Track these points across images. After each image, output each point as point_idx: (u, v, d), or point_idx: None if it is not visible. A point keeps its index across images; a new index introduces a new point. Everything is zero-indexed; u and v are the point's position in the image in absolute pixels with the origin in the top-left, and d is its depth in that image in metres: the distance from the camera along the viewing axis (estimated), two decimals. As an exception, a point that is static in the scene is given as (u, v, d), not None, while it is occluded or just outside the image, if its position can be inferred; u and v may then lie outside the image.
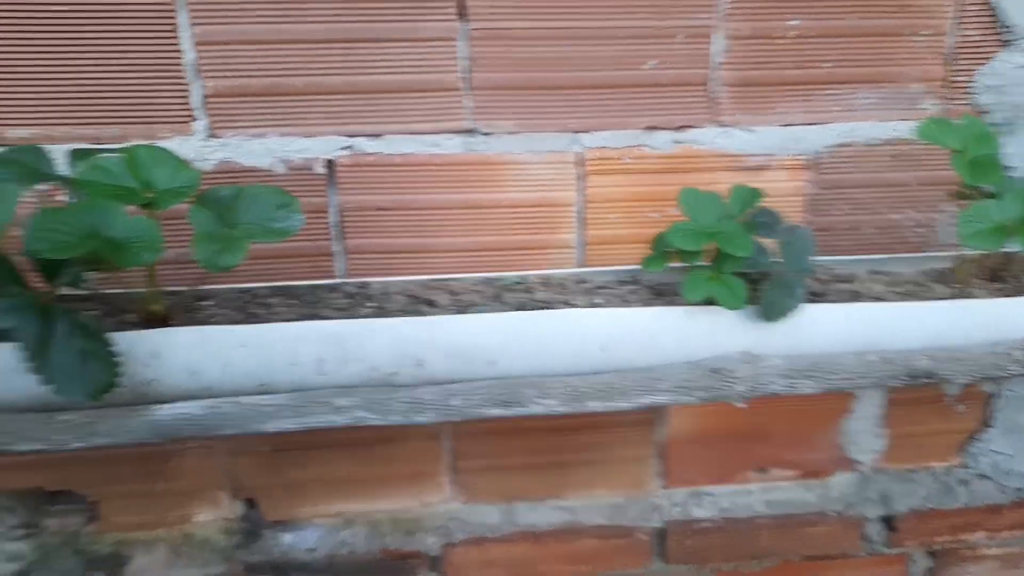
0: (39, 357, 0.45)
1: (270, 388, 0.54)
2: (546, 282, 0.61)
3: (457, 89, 0.69)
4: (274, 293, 0.58)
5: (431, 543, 0.89)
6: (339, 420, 0.54)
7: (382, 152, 0.71)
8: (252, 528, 0.88)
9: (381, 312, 0.55)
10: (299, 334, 0.53)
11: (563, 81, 0.71)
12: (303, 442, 0.84)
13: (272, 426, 0.53)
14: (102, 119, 0.67)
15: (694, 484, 0.89)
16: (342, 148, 0.70)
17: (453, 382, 0.56)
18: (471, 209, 0.73)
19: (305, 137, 0.69)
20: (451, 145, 0.71)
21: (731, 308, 0.52)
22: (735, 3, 0.70)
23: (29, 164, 0.54)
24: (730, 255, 0.52)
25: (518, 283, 0.60)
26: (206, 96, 0.67)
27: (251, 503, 0.87)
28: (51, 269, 0.47)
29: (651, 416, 0.83)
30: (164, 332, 0.51)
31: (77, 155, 0.57)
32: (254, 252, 0.56)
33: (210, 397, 0.54)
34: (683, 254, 0.54)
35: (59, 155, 0.60)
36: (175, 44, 0.65)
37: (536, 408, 0.53)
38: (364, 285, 0.60)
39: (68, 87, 0.66)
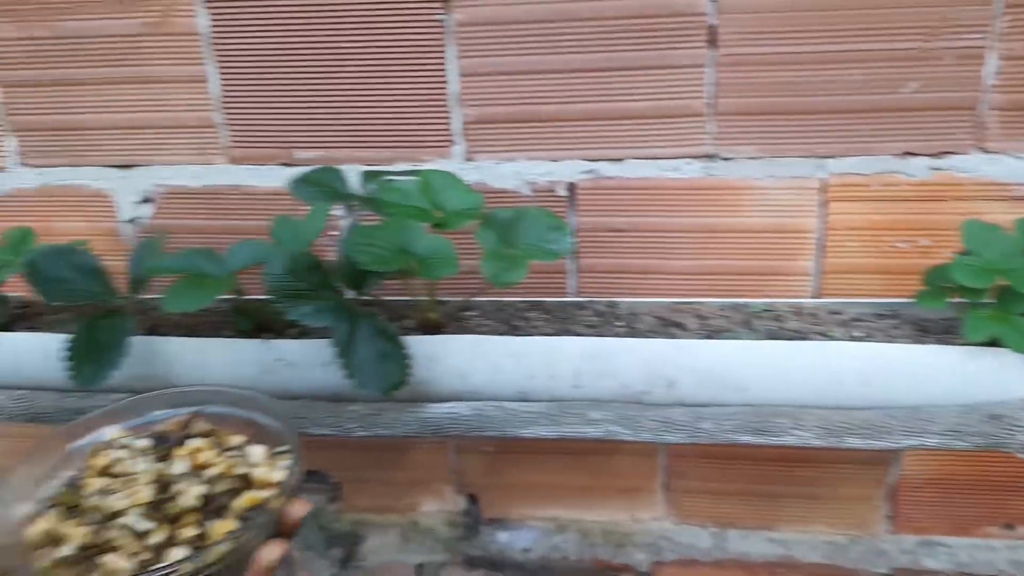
0: (346, 354, 0.52)
1: (528, 396, 0.58)
2: (797, 311, 0.60)
3: (701, 115, 0.70)
4: (530, 308, 0.62)
5: (640, 559, 0.89)
6: (592, 432, 0.56)
7: (621, 176, 0.72)
8: (472, 523, 0.94)
9: (631, 332, 0.57)
10: (559, 348, 0.55)
11: (810, 106, 0.69)
12: (523, 447, 0.87)
13: (530, 432, 0.57)
14: (376, 143, 0.74)
15: (926, 533, 0.82)
16: (584, 172, 0.73)
17: (702, 405, 0.56)
18: (706, 233, 0.73)
19: (551, 161, 0.73)
20: (690, 169, 0.72)
21: (1019, 350, 0.48)
22: (1013, 22, 0.65)
23: (330, 184, 0.62)
24: (1019, 293, 0.48)
25: (767, 310, 0.60)
26: (465, 123, 0.73)
27: (472, 499, 0.93)
28: (357, 277, 0.54)
29: (886, 456, 0.78)
30: (442, 338, 0.56)
31: (368, 176, 0.64)
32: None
33: (476, 400, 0.58)
34: (965, 291, 0.51)
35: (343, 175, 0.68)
36: (442, 77, 0.71)
37: (789, 439, 0.52)
38: (613, 304, 0.62)
39: (350, 114, 0.74)
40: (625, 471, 0.86)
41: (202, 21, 0.71)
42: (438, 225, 0.52)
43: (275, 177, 0.77)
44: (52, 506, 0.43)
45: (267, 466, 0.44)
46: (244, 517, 0.41)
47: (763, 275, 0.73)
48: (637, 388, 0.56)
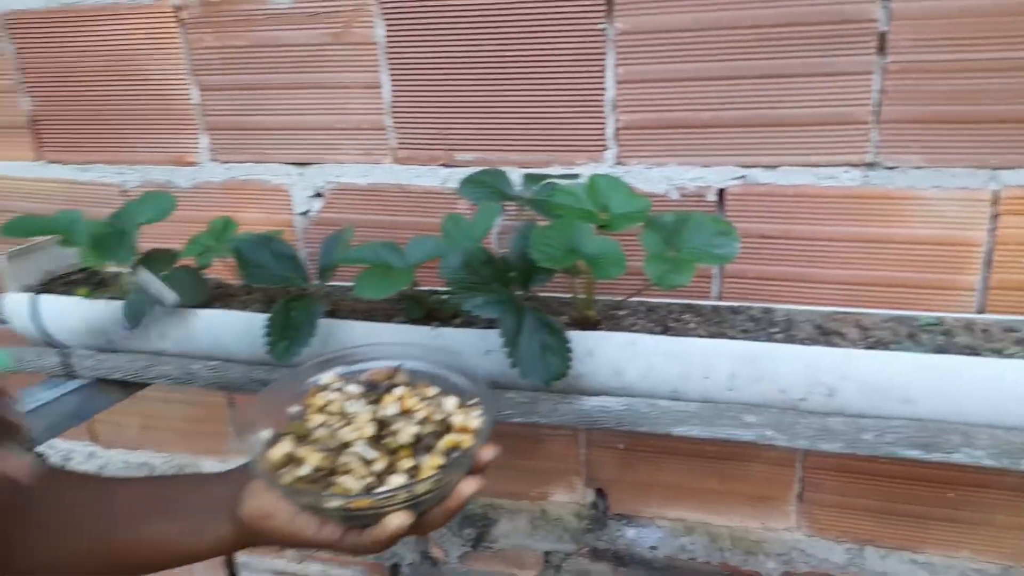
0: (512, 344, 0.55)
1: (680, 396, 0.59)
2: (968, 326, 0.58)
3: (864, 123, 0.68)
4: (684, 310, 0.63)
5: (771, 568, 0.88)
6: (745, 435, 0.56)
7: (775, 183, 0.72)
8: (600, 516, 0.95)
9: (788, 338, 0.57)
10: (715, 350, 0.56)
11: (982, 115, 0.66)
12: (654, 446, 0.88)
13: (681, 430, 0.58)
14: (532, 147, 0.77)
15: (1092, 568, 0.77)
16: (735, 178, 0.73)
17: (861, 416, 0.55)
18: (863, 243, 0.71)
19: (702, 167, 0.73)
20: (848, 178, 0.70)
21: None
22: None
23: (495, 185, 0.65)
24: None
25: (934, 324, 0.58)
26: (618, 129, 0.74)
27: (601, 493, 0.95)
28: (525, 274, 0.56)
29: (1050, 483, 0.73)
30: (601, 334, 0.58)
31: (529, 179, 0.67)
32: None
33: (627, 396, 0.60)
34: None
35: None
36: (600, 83, 0.73)
37: (959, 457, 0.50)
38: (769, 310, 0.62)
39: (509, 119, 0.77)
40: (759, 479, 0.85)
41: (379, 31, 0.77)
42: (603, 227, 0.54)
43: (434, 177, 0.82)
44: (284, 434, 0.50)
45: (462, 413, 0.49)
46: (446, 455, 0.46)
47: (923, 288, 0.70)
48: (795, 394, 0.55)
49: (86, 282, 0.76)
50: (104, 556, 0.53)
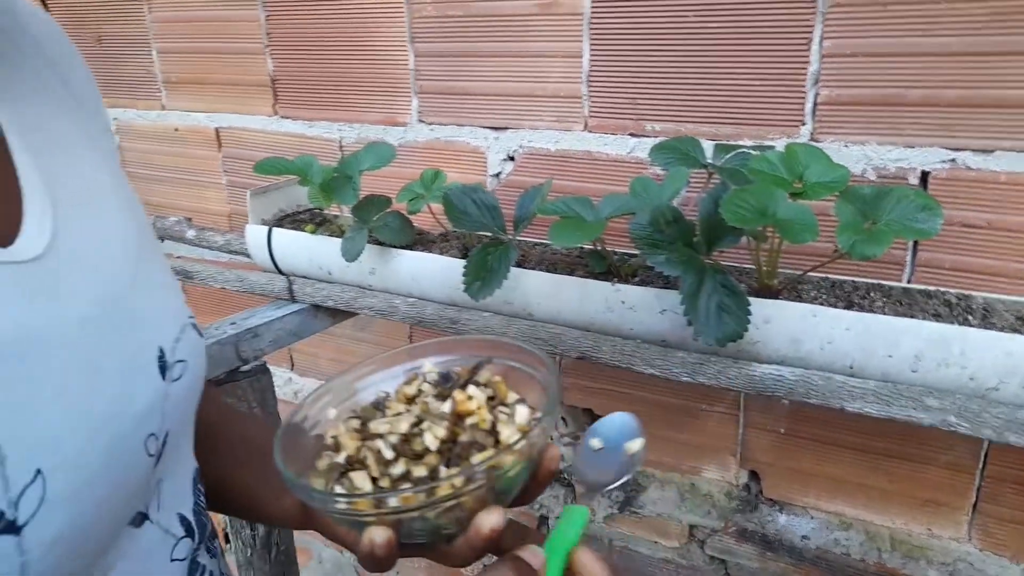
0: (690, 302, 0.57)
1: (858, 373, 0.58)
2: None
3: (1100, 108, 0.63)
4: (872, 288, 0.62)
5: None
6: (925, 419, 0.55)
7: (987, 168, 0.68)
8: (751, 498, 0.95)
9: (986, 326, 0.54)
10: (903, 328, 0.55)
11: None
12: (819, 436, 0.87)
13: (855, 406, 0.58)
14: (723, 119, 0.78)
15: None
16: (943, 161, 0.70)
17: (1061, 413, 0.52)
18: (1084, 238, 0.66)
19: (906, 147, 0.71)
20: (1075, 167, 0.65)
21: None
22: None
23: (687, 151, 0.67)
24: None
25: None
26: (816, 104, 0.73)
27: (755, 475, 0.94)
28: (711, 236, 0.58)
29: None
30: (781, 303, 0.59)
31: (719, 148, 0.68)
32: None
33: (802, 368, 0.60)
34: None
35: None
36: (805, 57, 0.72)
37: None
38: (965, 297, 0.60)
39: (703, 90, 0.78)
40: (932, 482, 0.82)
41: (585, 2, 0.81)
42: (797, 195, 0.55)
43: (622, 146, 0.85)
44: (353, 417, 0.45)
45: (508, 428, 0.42)
46: (474, 470, 0.37)
47: None
48: (986, 382, 0.53)
49: (310, 220, 0.87)
50: (216, 488, 0.53)
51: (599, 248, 0.68)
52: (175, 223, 1.02)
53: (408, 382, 0.47)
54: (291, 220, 0.88)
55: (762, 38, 0.73)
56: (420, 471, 0.39)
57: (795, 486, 0.91)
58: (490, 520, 0.38)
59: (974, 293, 0.60)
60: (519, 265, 0.72)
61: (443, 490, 0.36)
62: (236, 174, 1.17)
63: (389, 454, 0.40)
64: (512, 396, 0.45)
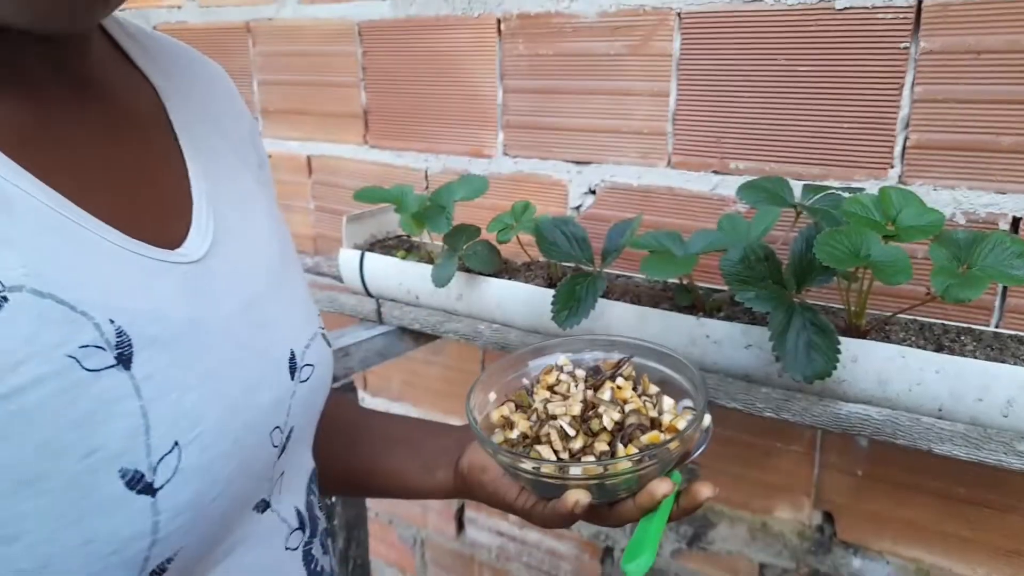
0: (779, 338, 0.59)
1: (947, 416, 0.59)
2: None
3: None
4: (961, 332, 0.63)
5: (1019, 630, 0.82)
6: (1016, 464, 0.55)
7: (1081, 216, 0.68)
8: (825, 540, 0.95)
9: (1082, 374, 0.55)
10: (995, 373, 0.56)
11: None
12: (898, 480, 0.86)
13: (943, 449, 0.58)
14: (809, 159, 0.80)
15: None
16: (1035, 207, 0.70)
17: None
18: None
19: (996, 193, 0.72)
20: None
21: None
22: None
23: (776, 191, 0.69)
24: None
25: None
26: (906, 147, 0.75)
27: (828, 517, 0.94)
28: (801, 275, 0.60)
29: None
30: (870, 343, 0.60)
31: (808, 189, 0.71)
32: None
33: (889, 408, 0.61)
34: None
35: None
36: (895, 101, 0.74)
37: None
38: (1060, 344, 0.60)
39: (789, 131, 0.81)
40: (1015, 531, 0.80)
41: (675, 44, 0.84)
42: (889, 237, 0.56)
43: (705, 183, 0.87)
44: (508, 401, 0.55)
45: (673, 415, 0.51)
46: (644, 450, 0.47)
47: None
48: (1081, 431, 0.54)
49: (400, 246, 0.92)
50: (350, 475, 0.62)
51: (685, 283, 0.70)
52: (269, 244, 1.08)
53: (547, 372, 0.56)
54: (381, 246, 0.94)
55: (853, 82, 0.75)
56: (601, 446, 0.48)
57: (871, 529, 0.90)
58: (663, 487, 0.47)
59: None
60: (604, 296, 0.75)
61: (622, 465, 0.46)
62: (324, 199, 1.24)
63: (571, 432, 0.49)
64: (653, 388, 0.54)
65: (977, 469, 0.59)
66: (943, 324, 0.64)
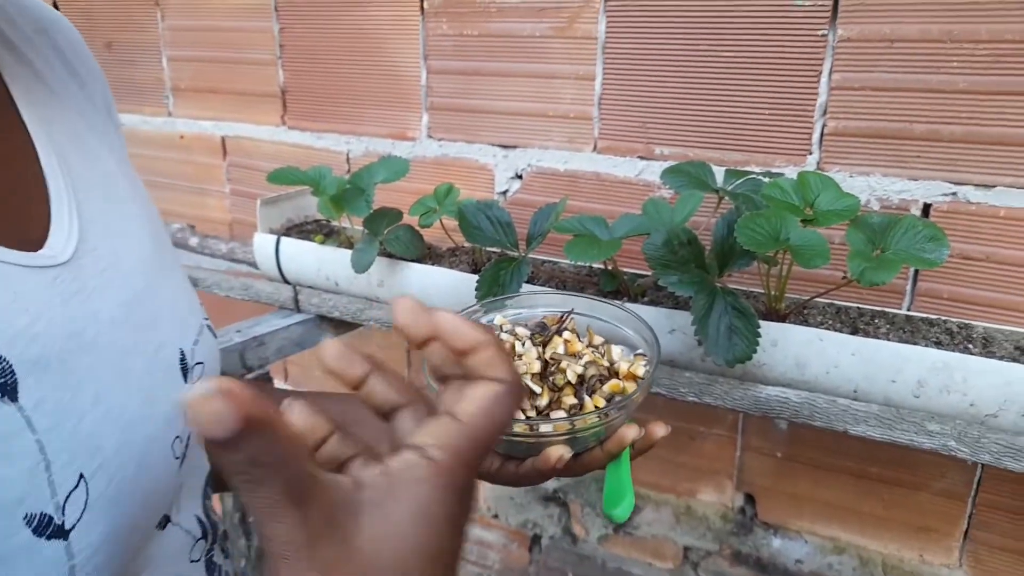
0: (701, 323, 0.59)
1: (862, 397, 0.60)
2: None
3: (1096, 149, 0.66)
4: (876, 315, 0.64)
5: (927, 602, 0.86)
6: (926, 443, 0.57)
7: (986, 203, 0.71)
8: (746, 521, 0.97)
9: (986, 355, 0.57)
10: (906, 355, 0.57)
11: None
12: (816, 460, 0.88)
13: (858, 430, 0.59)
14: (732, 146, 0.81)
15: None
16: (944, 194, 0.72)
17: (1058, 441, 0.54)
18: (1079, 274, 0.68)
19: (909, 180, 0.73)
20: (1072, 205, 0.68)
21: None
22: None
23: (699, 176, 0.69)
24: None
25: None
26: (824, 135, 0.76)
27: (750, 499, 0.96)
28: (723, 259, 0.60)
29: None
30: (789, 326, 0.61)
31: (731, 173, 0.71)
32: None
33: (807, 390, 0.62)
34: None
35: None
36: (813, 88, 0.75)
37: None
38: (967, 326, 0.62)
39: (711, 117, 0.81)
40: (925, 509, 0.83)
41: (600, 27, 0.83)
42: (808, 222, 0.57)
43: (631, 168, 0.87)
44: None
45: (628, 362, 0.51)
46: (608, 399, 0.49)
47: None
48: (985, 409, 0.56)
49: (318, 231, 0.88)
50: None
51: (610, 268, 0.70)
52: (178, 230, 1.03)
53: None
54: (298, 231, 0.90)
55: (773, 68, 0.76)
56: (568, 400, 0.49)
57: (790, 510, 0.92)
58: (631, 432, 0.49)
59: (975, 323, 0.62)
60: (529, 282, 0.73)
61: (591, 417, 0.47)
62: (240, 183, 1.18)
63: (537, 389, 0.49)
64: (598, 339, 0.54)
65: (890, 449, 0.61)
66: (859, 307, 0.65)
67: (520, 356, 0.52)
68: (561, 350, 0.52)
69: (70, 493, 0.32)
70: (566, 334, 0.53)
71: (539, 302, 0.59)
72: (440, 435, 0.28)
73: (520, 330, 0.56)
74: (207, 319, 0.49)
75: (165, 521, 0.42)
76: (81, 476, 0.32)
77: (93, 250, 0.39)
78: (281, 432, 0.24)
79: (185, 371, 0.43)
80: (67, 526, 0.31)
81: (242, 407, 0.23)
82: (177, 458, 0.41)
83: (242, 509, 0.93)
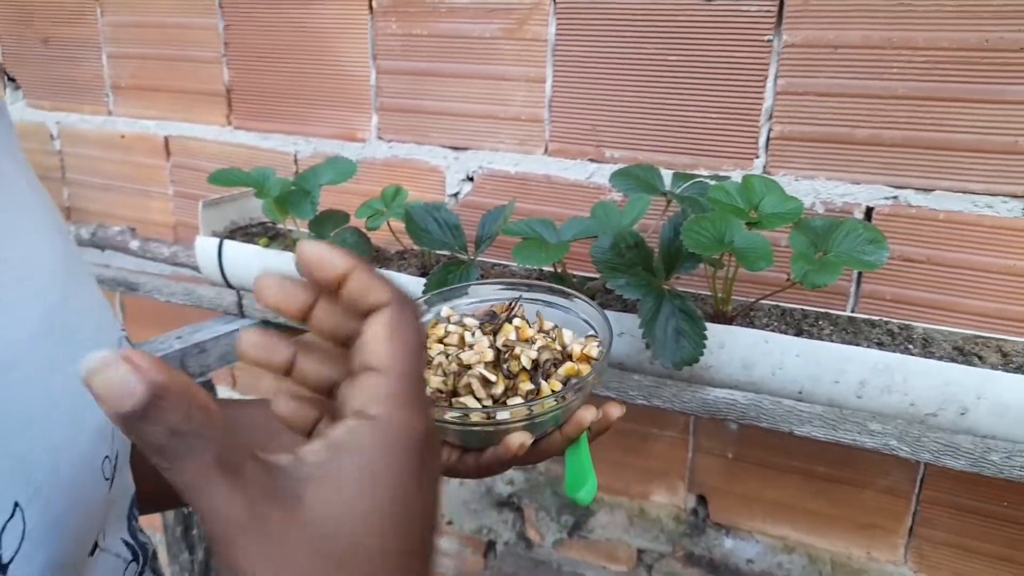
0: (648, 326, 0.59)
1: (807, 398, 0.61)
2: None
3: (1028, 154, 0.68)
4: (820, 317, 0.65)
5: (872, 598, 0.87)
6: (868, 442, 0.58)
7: (927, 206, 0.72)
8: (699, 523, 0.97)
9: (926, 355, 0.58)
10: (849, 356, 0.58)
11: None
12: (765, 461, 0.89)
13: (803, 430, 0.60)
14: (681, 149, 0.81)
15: None
16: (886, 198, 0.74)
17: (991, 437, 0.55)
18: (1014, 277, 0.70)
19: (852, 184, 0.75)
20: (1006, 209, 0.70)
21: None
22: None
23: (647, 179, 0.69)
24: None
25: (1085, 358, 0.57)
26: (770, 139, 0.77)
27: (702, 500, 0.96)
28: (670, 262, 0.60)
29: None
30: (735, 328, 0.61)
31: (677, 177, 0.71)
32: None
33: (754, 391, 0.63)
34: None
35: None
36: (759, 93, 0.76)
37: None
38: (907, 327, 0.63)
39: (660, 120, 0.81)
40: (871, 507, 0.85)
41: (551, 30, 0.83)
42: (752, 224, 0.57)
43: (581, 171, 0.87)
44: None
45: (580, 345, 0.51)
46: (564, 383, 0.49)
47: (1075, 329, 0.69)
48: (925, 409, 0.56)
49: (263, 234, 0.86)
50: None
51: (559, 271, 0.69)
52: (118, 233, 0.99)
53: (433, 326, 0.55)
54: (243, 233, 0.87)
55: (720, 73, 0.76)
56: (525, 386, 0.48)
57: (741, 510, 0.93)
58: (589, 414, 0.49)
59: (915, 323, 0.63)
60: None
61: (549, 402, 0.47)
62: (184, 184, 1.15)
63: (492, 377, 0.48)
64: (548, 323, 0.54)
65: (835, 448, 0.61)
66: (803, 309, 0.66)
67: (471, 346, 0.51)
68: (513, 337, 0.51)
69: (6, 523, 0.29)
70: (516, 321, 0.53)
71: (483, 293, 0.59)
72: (368, 391, 0.27)
73: (468, 320, 0.55)
74: (124, 330, 0.46)
75: (94, 547, 0.39)
76: (16, 505, 0.30)
77: (4, 260, 0.37)
78: (200, 397, 0.23)
79: None
80: (4, 559, 0.29)
81: (147, 372, 0.21)
82: (107, 479, 0.39)
83: (184, 522, 0.90)
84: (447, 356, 0.51)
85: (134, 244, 0.97)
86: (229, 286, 0.86)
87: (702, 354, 0.57)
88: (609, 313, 0.66)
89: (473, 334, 0.52)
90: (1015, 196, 0.69)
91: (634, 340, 0.65)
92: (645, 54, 0.79)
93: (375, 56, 0.94)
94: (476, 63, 0.88)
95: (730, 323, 0.62)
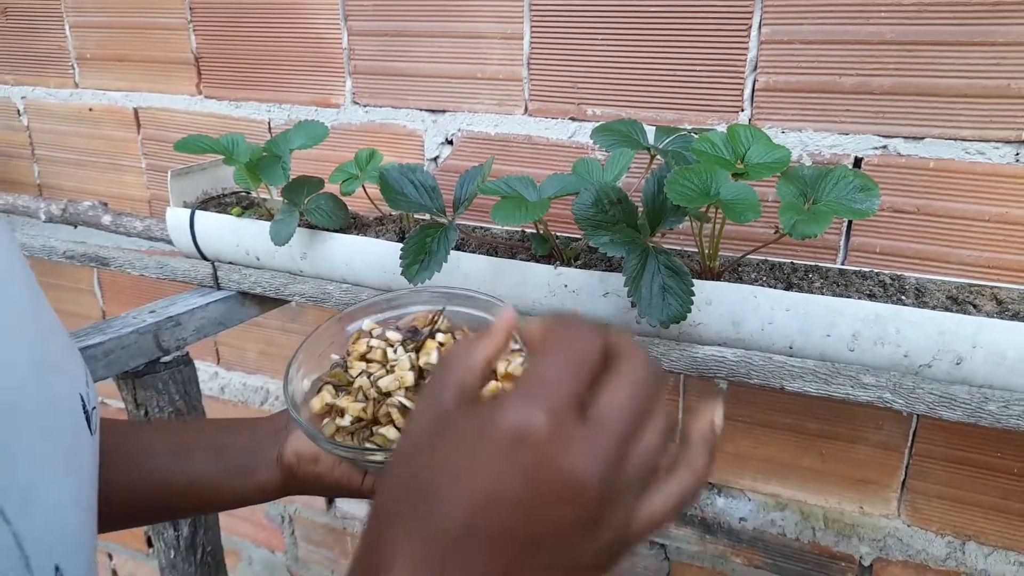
0: (633, 284, 0.56)
1: (798, 352, 0.59)
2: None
3: (1022, 97, 0.65)
4: (809, 270, 0.63)
5: (865, 552, 0.87)
6: (861, 396, 0.56)
7: (916, 155, 0.70)
8: (691, 483, 0.96)
9: (919, 305, 0.56)
10: (840, 309, 0.56)
11: None
12: (756, 418, 0.88)
13: (795, 386, 0.58)
14: (664, 104, 0.78)
15: None
16: (875, 148, 0.71)
17: (987, 387, 0.54)
18: (1008, 225, 0.68)
19: (840, 134, 0.72)
20: (999, 155, 0.67)
21: None
22: None
23: (629, 134, 0.66)
24: None
25: (1080, 303, 0.55)
26: (755, 90, 0.74)
27: (694, 461, 0.95)
28: (654, 217, 0.58)
29: None
30: (723, 284, 0.59)
31: (661, 131, 0.68)
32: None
33: (743, 348, 0.61)
34: None
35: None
36: (744, 43, 0.73)
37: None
38: (899, 278, 0.61)
39: (644, 76, 0.78)
40: (863, 462, 0.84)
41: (526, -18, 0.79)
42: (739, 175, 0.54)
43: (563, 130, 0.84)
44: (326, 383, 0.49)
45: (505, 362, 0.46)
46: None
47: (1067, 276, 0.67)
48: (919, 360, 0.55)
49: (236, 203, 0.83)
50: (151, 496, 0.52)
51: (541, 231, 0.67)
52: (89, 208, 0.96)
53: (354, 341, 0.51)
54: (216, 203, 0.84)
55: (702, 24, 0.73)
56: None
57: (733, 469, 0.92)
58: None
59: (907, 274, 0.61)
60: (459, 248, 0.70)
61: None
62: (156, 157, 1.11)
63: (411, 405, 0.46)
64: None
65: (827, 403, 0.60)
66: (792, 263, 0.64)
67: (392, 369, 0.48)
68: (435, 356, 0.48)
69: None
70: (440, 336, 0.50)
71: (407, 301, 0.56)
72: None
73: (391, 334, 0.52)
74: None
75: None
76: (57, 568, 0.28)
77: None
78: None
79: (88, 420, 0.37)
80: None
81: None
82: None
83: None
84: (369, 377, 0.48)
85: (106, 219, 0.93)
86: (204, 257, 0.83)
87: (689, 311, 0.55)
88: (594, 273, 0.64)
89: (396, 351, 0.49)
90: (1007, 141, 0.66)
91: (620, 300, 0.63)
92: (625, 5, 0.76)
93: (346, 17, 0.90)
94: (451, 21, 0.84)
95: (717, 279, 0.60)
